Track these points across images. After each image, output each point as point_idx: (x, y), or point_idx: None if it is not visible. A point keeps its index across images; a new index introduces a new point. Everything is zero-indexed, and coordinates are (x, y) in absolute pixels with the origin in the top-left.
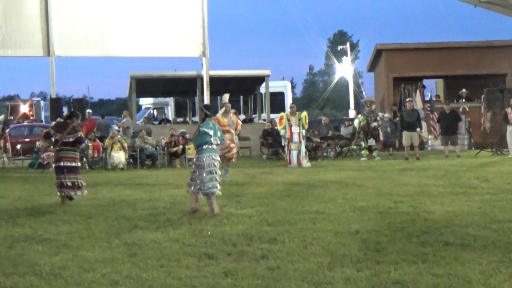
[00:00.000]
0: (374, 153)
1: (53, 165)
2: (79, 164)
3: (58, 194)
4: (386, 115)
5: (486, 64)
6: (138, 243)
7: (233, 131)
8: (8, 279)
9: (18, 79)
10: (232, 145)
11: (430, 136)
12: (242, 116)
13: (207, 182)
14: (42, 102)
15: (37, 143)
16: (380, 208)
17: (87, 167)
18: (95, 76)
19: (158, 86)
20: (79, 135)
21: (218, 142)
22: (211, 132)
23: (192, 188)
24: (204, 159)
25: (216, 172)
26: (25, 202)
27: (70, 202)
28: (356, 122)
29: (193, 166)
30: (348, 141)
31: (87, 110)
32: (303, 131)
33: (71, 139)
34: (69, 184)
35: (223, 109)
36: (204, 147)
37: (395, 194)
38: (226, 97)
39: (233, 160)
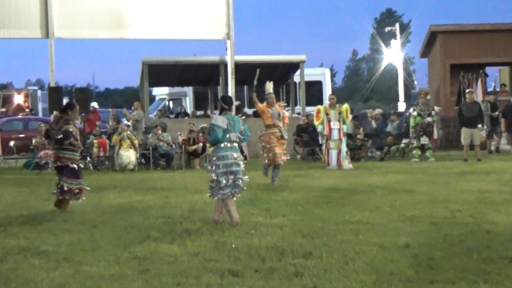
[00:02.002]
0: (427, 153)
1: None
2: (76, 166)
3: (55, 195)
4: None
5: None
6: (150, 257)
7: (281, 125)
8: None
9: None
10: (276, 144)
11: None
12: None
13: (225, 184)
14: (39, 92)
15: (34, 139)
16: (434, 218)
17: (91, 167)
18: (101, 62)
19: (174, 74)
20: (65, 129)
21: (238, 139)
22: (223, 124)
23: (214, 195)
24: (216, 159)
25: (236, 173)
26: (19, 208)
27: (72, 209)
28: (411, 121)
29: (208, 167)
30: (396, 139)
31: (92, 104)
32: (344, 127)
33: (59, 136)
34: (76, 190)
35: (266, 100)
36: (222, 145)
37: (451, 201)
38: (269, 86)
39: (281, 160)
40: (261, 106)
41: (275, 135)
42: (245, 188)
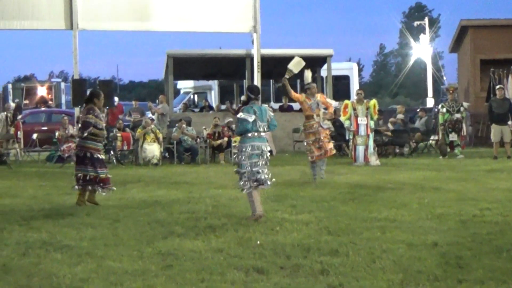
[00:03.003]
0: (456, 150)
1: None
2: (101, 156)
3: (76, 187)
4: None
5: None
6: (174, 253)
7: (321, 116)
8: None
9: (35, 56)
10: (319, 135)
11: None
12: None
13: (253, 172)
14: (62, 84)
15: (57, 132)
16: (462, 216)
17: (114, 161)
18: (126, 55)
19: (199, 67)
20: (84, 119)
21: (264, 129)
22: (251, 118)
23: (245, 186)
24: (244, 149)
25: (263, 164)
26: (42, 202)
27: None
28: (440, 117)
29: (235, 159)
30: (424, 135)
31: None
32: (372, 123)
33: (79, 126)
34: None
35: (309, 90)
36: (249, 135)
37: (481, 199)
38: (309, 76)
39: (326, 153)
40: (297, 96)
41: (314, 126)
42: (268, 182)
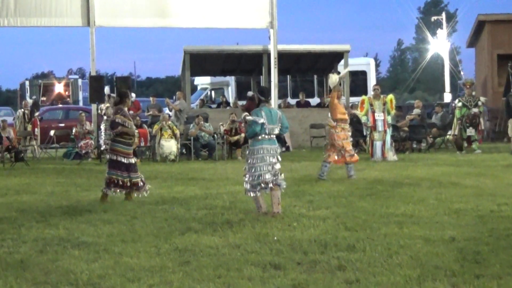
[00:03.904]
0: (474, 145)
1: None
2: (132, 160)
3: (105, 190)
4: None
5: None
6: (191, 249)
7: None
8: None
9: (53, 53)
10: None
11: None
12: (316, 100)
13: (264, 173)
14: (80, 81)
15: (74, 129)
16: (480, 212)
17: None
18: (143, 51)
19: (216, 63)
20: (112, 119)
21: (275, 131)
22: (261, 121)
23: (251, 190)
24: (255, 153)
25: (274, 166)
26: (59, 199)
27: (112, 199)
28: (457, 112)
29: (246, 162)
30: (441, 130)
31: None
32: (389, 118)
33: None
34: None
35: (337, 93)
36: (260, 137)
37: (498, 194)
38: (334, 79)
39: (350, 156)
40: (334, 99)
41: (346, 130)
42: (281, 184)
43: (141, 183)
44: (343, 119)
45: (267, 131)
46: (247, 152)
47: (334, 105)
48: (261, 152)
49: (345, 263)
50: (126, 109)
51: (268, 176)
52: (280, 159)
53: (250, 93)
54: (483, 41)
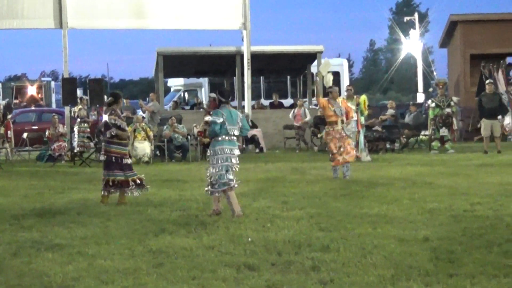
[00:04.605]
0: (447, 145)
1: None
2: (128, 161)
3: (103, 192)
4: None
5: None
6: (165, 251)
7: (344, 121)
8: None
9: (26, 55)
10: (342, 141)
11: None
12: (290, 101)
13: (220, 176)
14: (53, 83)
15: (47, 131)
16: (454, 211)
17: None
18: (116, 53)
19: (190, 65)
20: (105, 120)
21: (235, 133)
22: (220, 120)
23: (214, 190)
24: (217, 153)
25: (231, 167)
26: (33, 201)
27: (85, 202)
28: (430, 112)
29: (208, 162)
30: (414, 130)
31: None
32: (362, 119)
33: (101, 129)
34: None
35: (330, 94)
36: (220, 138)
37: (472, 194)
38: (330, 79)
39: (350, 156)
40: (323, 101)
41: (340, 133)
42: (235, 184)
43: (139, 181)
44: (335, 122)
45: (227, 132)
46: (208, 153)
47: (323, 107)
48: (222, 152)
49: (319, 264)
50: (118, 110)
51: (230, 177)
52: (237, 161)
53: (212, 95)
54: (455, 41)
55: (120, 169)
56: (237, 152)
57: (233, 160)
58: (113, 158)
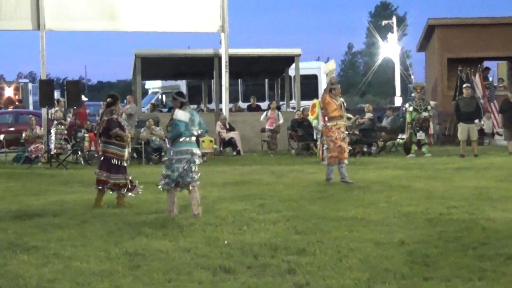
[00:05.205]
0: (424, 149)
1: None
2: (124, 163)
3: (96, 187)
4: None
5: None
6: (141, 253)
7: (345, 118)
8: None
9: (3, 57)
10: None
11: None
12: (267, 103)
13: (186, 174)
14: (30, 85)
15: (24, 133)
16: (430, 215)
17: (82, 162)
18: (94, 55)
19: (167, 67)
20: (109, 118)
21: (198, 132)
22: (186, 119)
23: (167, 186)
24: (177, 154)
25: (195, 168)
26: (9, 203)
27: (62, 204)
28: (408, 116)
29: (166, 162)
30: (392, 134)
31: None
32: None
33: (103, 127)
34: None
35: (334, 91)
36: (182, 139)
37: (448, 197)
38: (332, 76)
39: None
40: (326, 97)
41: (340, 128)
42: (194, 185)
43: (130, 185)
44: (336, 117)
45: (190, 133)
46: (168, 153)
47: (326, 103)
48: (183, 154)
49: (295, 267)
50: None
51: (188, 179)
52: (198, 162)
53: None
54: (433, 45)
55: (115, 172)
56: (199, 152)
57: (197, 160)
58: (110, 159)
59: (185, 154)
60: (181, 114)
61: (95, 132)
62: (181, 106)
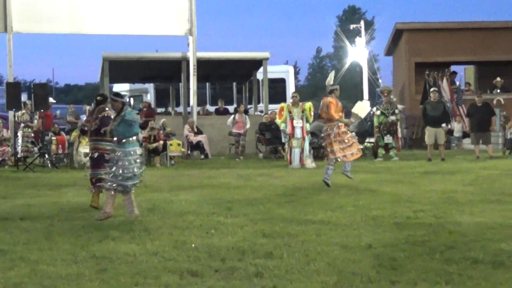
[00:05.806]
0: (391, 153)
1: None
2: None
3: (91, 189)
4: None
5: None
6: (108, 257)
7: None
8: None
9: None
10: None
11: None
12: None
13: (128, 177)
14: None
15: None
16: (397, 218)
17: (49, 165)
18: (61, 58)
19: (135, 70)
20: (103, 115)
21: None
22: (138, 121)
23: (109, 186)
24: (127, 155)
25: (139, 168)
26: None
27: (28, 207)
28: (375, 120)
29: (110, 160)
30: (360, 138)
31: (50, 100)
32: (307, 125)
33: (97, 124)
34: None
35: (334, 93)
36: (131, 139)
37: (415, 201)
38: (331, 77)
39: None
40: (332, 100)
41: (342, 129)
42: (136, 184)
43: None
44: (341, 116)
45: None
46: (116, 153)
47: (335, 104)
48: (132, 154)
49: (262, 270)
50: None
51: (136, 180)
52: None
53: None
54: (401, 49)
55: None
56: (140, 152)
57: (139, 161)
58: (104, 154)
59: (135, 155)
60: (134, 114)
61: (86, 129)
62: (122, 107)
